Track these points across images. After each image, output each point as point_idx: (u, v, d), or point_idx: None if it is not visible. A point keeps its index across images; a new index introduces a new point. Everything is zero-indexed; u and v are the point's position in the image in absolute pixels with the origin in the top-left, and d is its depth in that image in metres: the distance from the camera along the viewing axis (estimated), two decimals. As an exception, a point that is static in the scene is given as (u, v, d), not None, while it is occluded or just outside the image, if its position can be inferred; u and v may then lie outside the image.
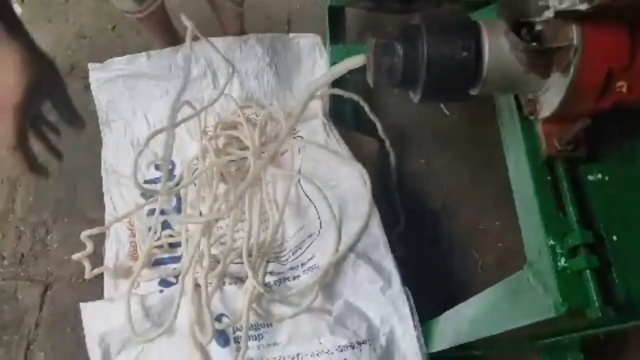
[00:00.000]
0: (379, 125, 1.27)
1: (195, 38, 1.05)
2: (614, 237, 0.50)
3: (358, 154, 1.13)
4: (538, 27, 0.49)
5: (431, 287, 1.05)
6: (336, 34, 1.39)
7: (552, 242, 0.51)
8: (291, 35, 1.36)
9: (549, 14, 0.46)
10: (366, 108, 1.27)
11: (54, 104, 0.65)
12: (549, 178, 0.54)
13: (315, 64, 1.33)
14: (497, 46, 0.49)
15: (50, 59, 0.63)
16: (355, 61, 0.52)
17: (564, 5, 0.44)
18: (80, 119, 0.69)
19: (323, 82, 0.53)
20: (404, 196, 1.23)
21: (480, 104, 1.37)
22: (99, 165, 1.23)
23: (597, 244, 0.50)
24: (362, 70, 1.44)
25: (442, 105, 1.38)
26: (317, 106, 1.25)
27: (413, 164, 1.31)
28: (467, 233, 1.23)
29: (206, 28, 1.33)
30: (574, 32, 0.46)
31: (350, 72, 1.41)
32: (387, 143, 1.27)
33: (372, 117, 1.27)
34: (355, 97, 1.28)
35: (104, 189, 1.20)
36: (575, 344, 0.98)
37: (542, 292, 0.52)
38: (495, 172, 1.25)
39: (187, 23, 1.01)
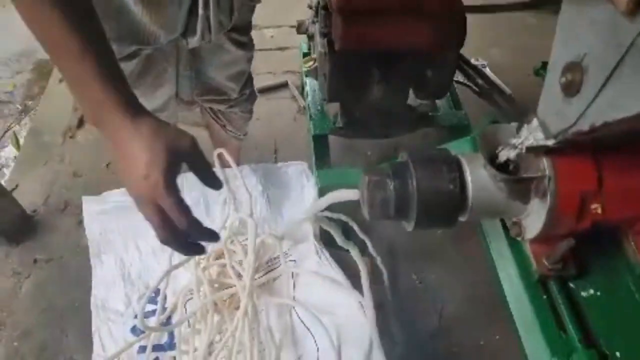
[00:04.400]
0: (369, 244, 1.30)
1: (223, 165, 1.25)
2: (617, 354, 0.51)
3: (351, 274, 1.14)
4: (513, 159, 0.54)
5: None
6: (321, 160, 1.47)
7: (558, 362, 0.51)
8: (279, 164, 1.44)
9: (520, 148, 0.52)
10: (355, 227, 1.30)
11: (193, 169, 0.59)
12: (545, 297, 0.56)
13: (303, 189, 1.39)
14: (478, 177, 0.53)
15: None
16: (349, 195, 0.56)
17: (532, 142, 0.50)
18: (217, 180, 0.63)
19: (318, 208, 0.57)
20: (399, 315, 1.22)
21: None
22: (88, 302, 1.20)
23: (603, 363, 0.50)
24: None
25: (427, 221, 1.43)
26: (307, 229, 1.28)
27: (406, 281, 1.32)
28: (467, 350, 1.20)
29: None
30: (545, 164, 0.51)
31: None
32: (379, 261, 1.28)
33: (361, 236, 1.30)
34: (344, 217, 1.32)
35: (93, 327, 1.16)
36: None
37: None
38: (488, 284, 1.26)
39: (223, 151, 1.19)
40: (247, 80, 1.27)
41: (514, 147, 0.52)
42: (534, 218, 0.54)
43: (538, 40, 2.08)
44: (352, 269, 1.19)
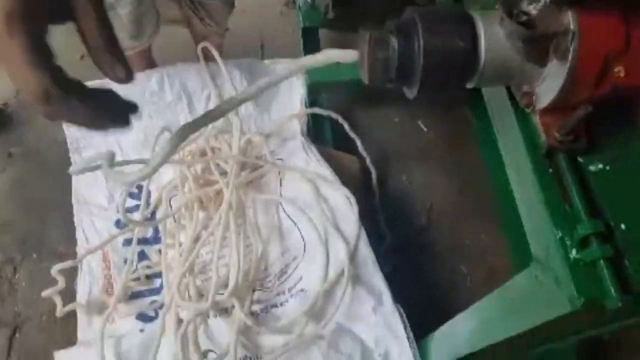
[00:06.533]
0: (358, 143, 1.27)
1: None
2: (623, 226, 0.49)
3: (339, 172, 1.12)
4: (533, 15, 0.48)
5: (420, 304, 1.02)
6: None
7: (560, 234, 0.49)
8: (267, 61, 1.36)
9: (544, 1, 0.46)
10: (345, 126, 1.26)
11: None
12: (550, 170, 0.53)
13: (292, 87, 1.32)
14: (493, 35, 0.48)
15: None
16: (347, 55, 0.50)
17: (558, -9, 0.44)
18: None
19: (310, 62, 0.51)
20: (387, 213, 1.21)
21: (457, 120, 1.39)
22: (69, 196, 1.16)
23: (607, 234, 0.48)
24: (340, 89, 1.44)
25: (419, 122, 1.39)
26: (296, 126, 1.24)
27: (395, 181, 1.30)
28: (453, 248, 1.21)
29: (181, 56, 1.32)
30: (570, 18, 0.45)
31: (329, 90, 1.41)
32: (368, 160, 1.26)
33: (351, 134, 1.26)
34: (334, 115, 1.27)
35: (75, 220, 1.14)
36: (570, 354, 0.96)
37: (554, 288, 0.50)
38: (477, 185, 1.25)
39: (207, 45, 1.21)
40: None
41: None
42: (549, 83, 0.49)
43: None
44: (341, 167, 1.16)
